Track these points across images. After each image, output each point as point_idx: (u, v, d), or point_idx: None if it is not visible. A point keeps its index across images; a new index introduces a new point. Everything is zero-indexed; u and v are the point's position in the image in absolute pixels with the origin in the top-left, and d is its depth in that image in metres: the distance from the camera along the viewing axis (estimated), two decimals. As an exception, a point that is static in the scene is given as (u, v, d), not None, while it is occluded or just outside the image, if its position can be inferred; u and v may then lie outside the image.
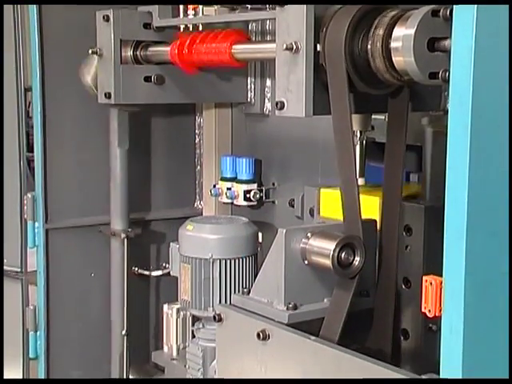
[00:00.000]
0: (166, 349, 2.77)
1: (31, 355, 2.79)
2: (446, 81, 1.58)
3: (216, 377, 2.08)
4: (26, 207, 2.71)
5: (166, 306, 2.77)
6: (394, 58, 1.72)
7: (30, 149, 2.82)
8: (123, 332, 2.75)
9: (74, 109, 2.77)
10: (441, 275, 1.46)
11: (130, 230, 2.72)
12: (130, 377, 2.79)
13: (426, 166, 2.04)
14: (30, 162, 2.97)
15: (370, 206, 2.03)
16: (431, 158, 2.03)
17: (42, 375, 2.79)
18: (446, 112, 1.44)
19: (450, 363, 1.42)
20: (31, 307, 2.77)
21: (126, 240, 2.70)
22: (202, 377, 2.43)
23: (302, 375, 1.79)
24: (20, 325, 2.83)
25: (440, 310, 1.48)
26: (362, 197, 1.83)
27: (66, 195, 2.80)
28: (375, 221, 2.01)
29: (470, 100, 1.36)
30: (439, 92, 1.99)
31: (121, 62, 2.48)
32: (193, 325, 2.63)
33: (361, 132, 2.07)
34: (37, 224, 2.72)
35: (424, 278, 1.53)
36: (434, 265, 1.56)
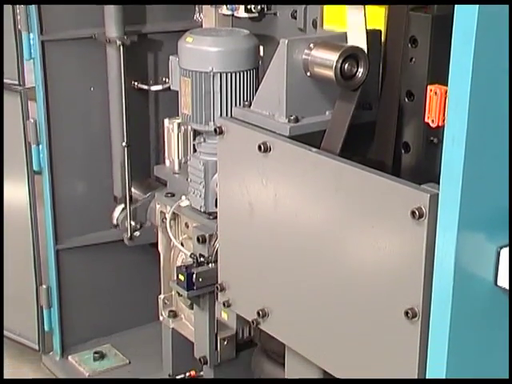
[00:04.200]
0: (167, 163, 2.79)
1: (35, 168, 2.82)
2: None
3: (217, 190, 2.10)
4: (18, 17, 2.63)
5: (166, 121, 2.75)
6: None
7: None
8: (123, 144, 2.76)
9: None
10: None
11: (125, 37, 2.65)
12: (133, 190, 2.84)
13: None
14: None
15: (375, 16, 1.96)
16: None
17: (46, 188, 2.83)
18: None
19: (451, 173, 1.42)
20: (31, 120, 2.76)
21: (121, 48, 2.64)
22: (203, 190, 2.46)
23: (302, 187, 1.80)
24: (22, 139, 2.83)
25: (443, 120, 1.47)
26: (366, 7, 1.76)
27: (61, 6, 2.71)
28: (380, 31, 1.94)
29: None
30: None
31: None
32: (194, 139, 2.63)
33: None
34: (32, 35, 2.65)
35: (429, 87, 1.51)
36: (439, 78, 1.53)
